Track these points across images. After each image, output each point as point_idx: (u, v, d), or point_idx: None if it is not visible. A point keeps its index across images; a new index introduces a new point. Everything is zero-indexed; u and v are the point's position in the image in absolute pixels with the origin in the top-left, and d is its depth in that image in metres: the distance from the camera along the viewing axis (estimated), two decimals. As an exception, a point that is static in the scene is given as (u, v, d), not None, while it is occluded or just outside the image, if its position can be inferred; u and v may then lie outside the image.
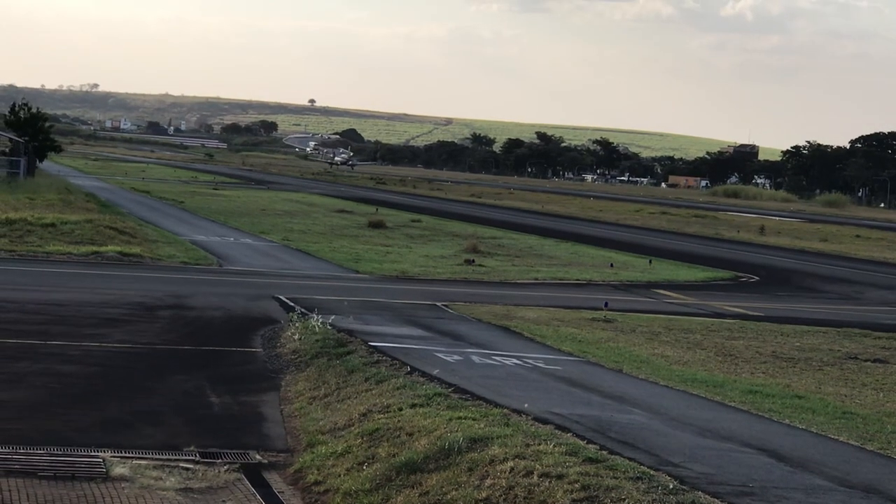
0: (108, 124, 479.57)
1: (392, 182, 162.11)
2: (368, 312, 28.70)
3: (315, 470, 15.63)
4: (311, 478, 15.43)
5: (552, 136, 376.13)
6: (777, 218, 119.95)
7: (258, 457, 16.40)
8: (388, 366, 20.92)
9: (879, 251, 73.21)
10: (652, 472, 13.58)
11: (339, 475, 15.19)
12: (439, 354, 22.55)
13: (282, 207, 78.00)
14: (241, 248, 46.95)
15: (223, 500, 14.73)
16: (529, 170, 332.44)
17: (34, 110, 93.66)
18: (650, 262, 50.79)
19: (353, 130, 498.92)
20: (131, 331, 25.06)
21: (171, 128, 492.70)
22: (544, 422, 16.28)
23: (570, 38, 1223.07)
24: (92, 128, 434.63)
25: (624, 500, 12.62)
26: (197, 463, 15.78)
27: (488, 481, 13.64)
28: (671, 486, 13.03)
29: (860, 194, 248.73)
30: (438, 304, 31.50)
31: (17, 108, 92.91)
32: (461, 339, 25.22)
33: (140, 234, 46.26)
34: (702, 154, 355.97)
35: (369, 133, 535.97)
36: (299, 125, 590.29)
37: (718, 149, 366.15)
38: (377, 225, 62.71)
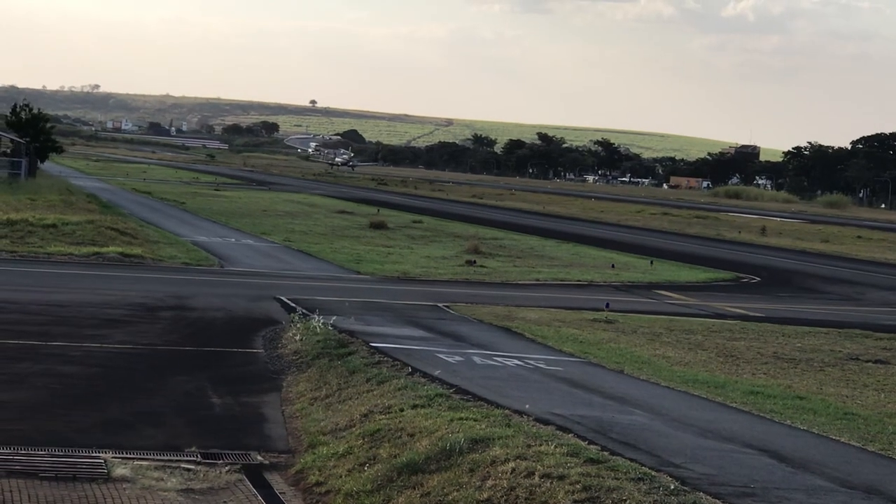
0: (110, 125, 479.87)
1: (393, 183, 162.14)
2: (370, 313, 28.70)
3: (316, 471, 15.63)
4: (313, 479, 15.43)
5: (553, 136, 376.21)
6: (778, 219, 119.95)
7: (259, 458, 16.40)
8: (390, 367, 20.91)
9: (881, 252, 73.20)
10: (653, 473, 13.58)
11: (341, 476, 15.19)
12: (441, 355, 22.55)
13: (283, 208, 78.02)
14: (243, 248, 46.96)
15: (224, 501, 14.73)
16: (531, 171, 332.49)
17: (35, 111, 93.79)
18: (651, 262, 50.77)
19: (355, 131, 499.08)
20: (132, 332, 25.06)
21: (173, 128, 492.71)
22: (546, 423, 16.27)
23: (572, 39, 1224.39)
24: (93, 128, 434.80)
25: (625, 500, 12.62)
26: (198, 464, 15.78)
27: (490, 482, 13.64)
28: (672, 487, 13.02)
29: (861, 195, 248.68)
30: (440, 304, 31.50)
31: (18, 109, 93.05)
32: (462, 339, 25.22)
33: (141, 234, 46.26)
34: (703, 155, 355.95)
35: (370, 134, 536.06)
36: (300, 126, 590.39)
37: (720, 149, 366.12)
38: (378, 226, 62.71)
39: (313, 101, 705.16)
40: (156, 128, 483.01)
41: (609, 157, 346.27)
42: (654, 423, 17.08)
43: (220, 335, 25.58)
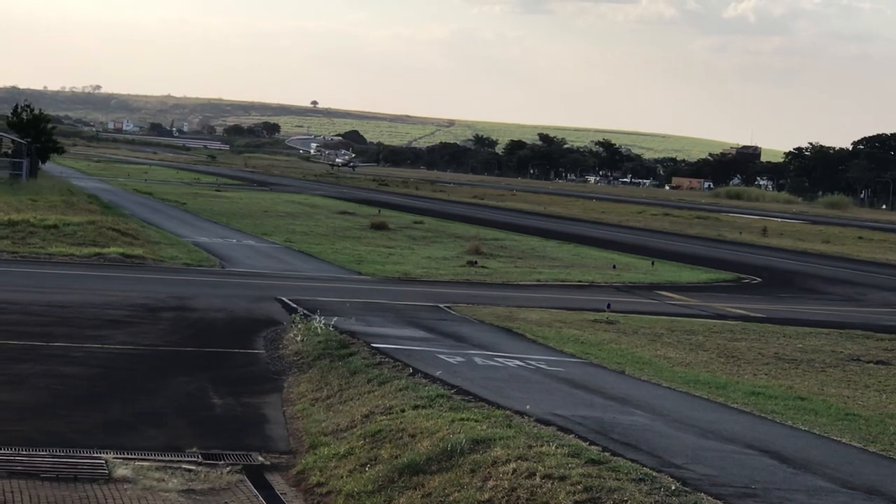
0: (111, 126, 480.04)
1: (394, 184, 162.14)
2: (371, 314, 28.70)
3: (317, 471, 15.63)
4: (314, 479, 15.43)
5: (554, 137, 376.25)
6: (779, 219, 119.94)
7: (261, 458, 16.40)
8: (391, 367, 20.91)
9: (882, 253, 73.18)
10: (654, 474, 13.58)
11: (342, 477, 15.19)
12: (442, 356, 22.54)
13: (284, 209, 78.03)
14: (244, 249, 46.97)
15: (225, 502, 14.74)
16: (532, 171, 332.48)
17: (36, 112, 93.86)
18: (652, 263, 50.76)
19: (356, 132, 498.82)
20: (134, 332, 25.06)
21: (175, 129, 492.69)
22: (547, 423, 16.27)
23: (573, 40, 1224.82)
24: (94, 129, 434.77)
25: (626, 501, 12.62)
26: (199, 464, 15.78)
27: (491, 483, 13.64)
28: (674, 488, 13.02)
29: (862, 196, 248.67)
30: (441, 305, 31.50)
31: (19, 110, 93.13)
32: (463, 340, 25.22)
33: (142, 235, 46.27)
34: (704, 155, 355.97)
35: (372, 135, 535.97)
36: (302, 127, 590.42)
37: (721, 150, 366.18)
38: (379, 226, 62.71)
39: (314, 102, 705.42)
40: (158, 129, 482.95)
41: (610, 157, 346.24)
42: (656, 423, 17.08)
43: (222, 336, 25.58)
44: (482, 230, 66.31)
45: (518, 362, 22.42)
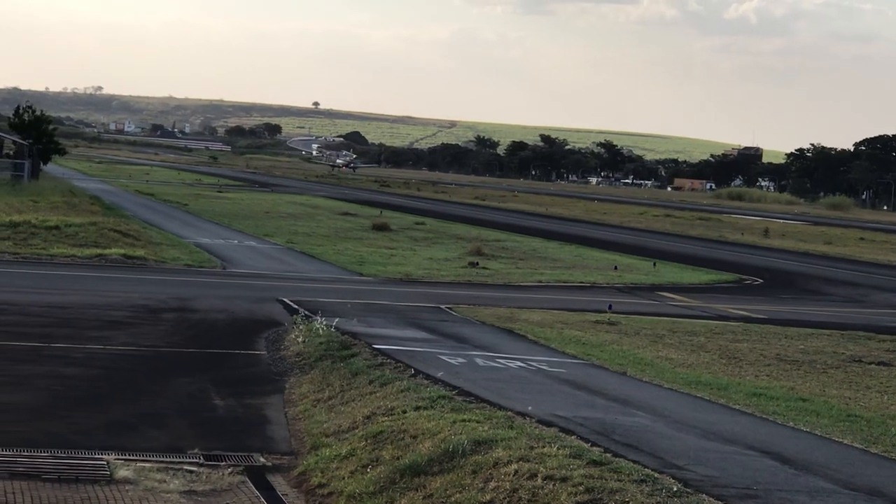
0: (112, 127, 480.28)
1: (396, 185, 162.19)
2: (372, 315, 28.70)
3: (319, 472, 15.63)
4: (316, 480, 15.43)
5: (556, 138, 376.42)
6: (781, 220, 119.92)
7: (262, 459, 16.40)
8: (392, 368, 20.91)
9: (884, 254, 73.16)
10: (656, 475, 13.57)
11: (344, 478, 15.19)
12: (443, 357, 22.54)
13: (286, 210, 78.05)
14: (245, 250, 46.98)
15: (227, 503, 14.73)
16: (533, 172, 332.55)
17: (38, 113, 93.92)
18: (654, 264, 50.76)
19: (357, 133, 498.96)
20: (135, 333, 25.06)
21: (178, 131, 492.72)
22: (548, 424, 16.26)
23: (574, 41, 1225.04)
24: (96, 130, 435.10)
25: (628, 502, 12.62)
26: (201, 465, 15.78)
27: (492, 484, 13.64)
28: (675, 489, 13.02)
29: (864, 197, 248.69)
30: (442, 306, 31.50)
31: (21, 111, 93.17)
32: (465, 341, 25.21)
33: (144, 236, 46.28)
34: (706, 156, 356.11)
35: (373, 136, 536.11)
36: (303, 128, 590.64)
37: (722, 151, 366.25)
38: (381, 227, 62.70)
39: (316, 103, 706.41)
40: (161, 130, 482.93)
41: (612, 158, 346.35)
42: (657, 424, 17.07)
43: (223, 337, 25.58)
44: (484, 231, 66.30)
45: (519, 363, 22.41)
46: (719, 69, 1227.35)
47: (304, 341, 24.08)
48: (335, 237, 56.16)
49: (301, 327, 25.36)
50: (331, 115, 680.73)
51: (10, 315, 26.20)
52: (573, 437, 15.47)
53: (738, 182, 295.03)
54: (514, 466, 13.88)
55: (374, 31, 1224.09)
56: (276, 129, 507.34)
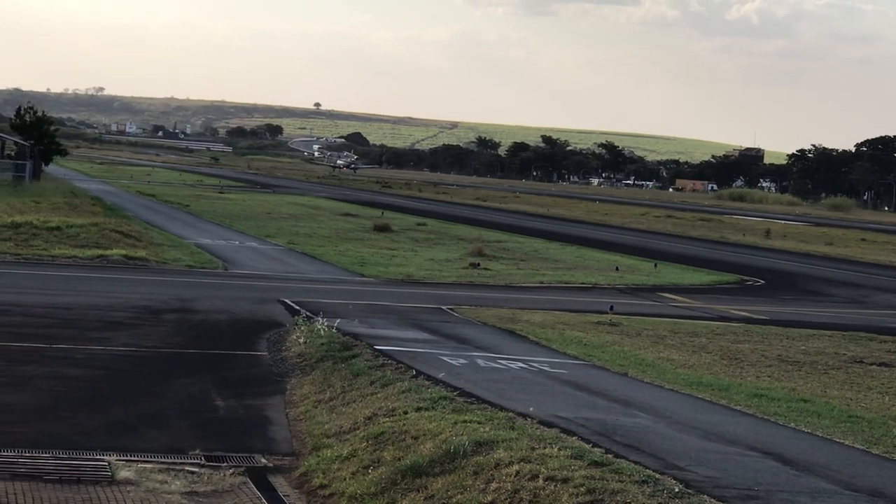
0: (114, 128, 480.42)
1: (397, 186, 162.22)
2: (374, 316, 28.70)
3: (320, 473, 15.63)
4: (317, 481, 15.43)
5: (557, 139, 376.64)
6: (782, 221, 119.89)
7: (263, 460, 16.40)
8: (394, 369, 20.91)
9: (885, 255, 73.15)
10: (657, 476, 13.57)
11: (345, 479, 15.19)
12: (444, 358, 22.54)
13: (287, 211, 78.07)
14: (247, 251, 46.99)
15: (228, 504, 14.74)
16: (535, 173, 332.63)
17: (39, 114, 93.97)
18: (655, 265, 50.76)
19: (359, 134, 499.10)
20: (136, 334, 25.07)
21: (180, 132, 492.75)
22: (549, 425, 16.26)
23: (576, 42, 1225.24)
24: (97, 131, 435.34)
25: (629, 503, 12.62)
26: (202, 466, 15.78)
27: (494, 485, 13.64)
28: (676, 490, 13.02)
29: (866, 198, 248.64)
30: (444, 307, 31.50)
31: (22, 112, 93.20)
32: (466, 342, 25.22)
33: (145, 237, 46.30)
34: (707, 157, 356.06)
35: (375, 137, 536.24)
36: (305, 129, 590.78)
37: (724, 152, 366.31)
38: (382, 228, 62.70)
39: (317, 104, 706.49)
40: (163, 131, 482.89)
41: (613, 159, 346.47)
42: (658, 425, 17.07)
43: (224, 338, 25.59)
44: (485, 232, 66.31)
45: (521, 364, 22.41)
46: (721, 70, 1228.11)
47: (305, 342, 24.09)
48: (336, 238, 56.16)
49: (302, 328, 25.37)
50: (332, 116, 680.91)
51: (11, 316, 26.21)
52: (574, 438, 15.47)
53: (739, 183, 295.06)
54: (516, 467, 13.89)
55: (375, 32, 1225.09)
56: (277, 130, 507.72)
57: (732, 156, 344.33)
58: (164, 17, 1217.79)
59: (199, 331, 26.31)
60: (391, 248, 52.15)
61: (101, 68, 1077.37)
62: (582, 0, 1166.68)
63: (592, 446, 15.02)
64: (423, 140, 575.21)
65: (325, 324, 25.02)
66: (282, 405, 19.83)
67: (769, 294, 42.98)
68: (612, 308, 31.54)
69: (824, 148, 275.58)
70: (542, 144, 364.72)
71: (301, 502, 15.06)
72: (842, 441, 17.03)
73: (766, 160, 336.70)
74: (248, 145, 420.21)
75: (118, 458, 15.77)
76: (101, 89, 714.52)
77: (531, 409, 17.37)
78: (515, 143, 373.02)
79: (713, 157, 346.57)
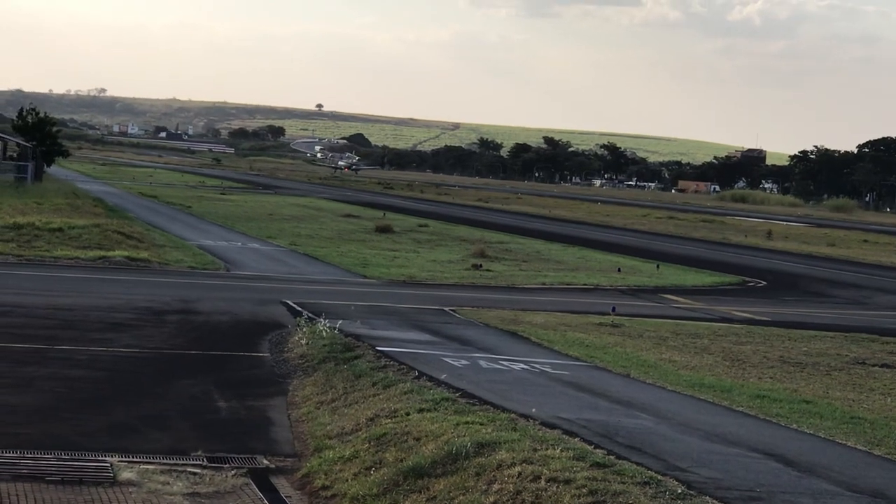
0: (116, 129, 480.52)
1: (399, 187, 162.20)
2: (376, 317, 28.71)
3: (322, 475, 15.63)
4: (319, 482, 15.43)
5: (559, 140, 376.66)
6: (784, 223, 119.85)
7: (266, 461, 16.41)
8: (396, 370, 20.91)
9: (887, 256, 73.13)
10: (659, 477, 13.57)
11: (347, 480, 15.19)
12: (447, 359, 22.54)
13: (289, 212, 78.07)
14: (249, 252, 47.00)
15: (230, 505, 14.74)
16: (537, 174, 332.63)
17: (42, 115, 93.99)
18: (658, 266, 50.76)
19: (361, 135, 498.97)
20: (139, 335, 25.08)
21: (183, 133, 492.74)
22: (552, 427, 16.26)
23: (578, 43, 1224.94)
24: (99, 132, 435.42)
25: (631, 505, 12.62)
26: (204, 468, 15.78)
27: (496, 486, 13.64)
28: (679, 491, 13.02)
29: (868, 199, 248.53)
30: (446, 308, 31.50)
31: (24, 113, 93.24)
32: (468, 343, 25.22)
33: (147, 238, 46.31)
34: (709, 159, 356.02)
35: (377, 138, 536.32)
36: (307, 130, 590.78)
37: (726, 153, 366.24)
38: (384, 229, 62.70)
39: (319, 105, 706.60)
40: (166, 132, 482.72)
41: (615, 160, 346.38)
42: (660, 426, 17.07)
43: (226, 339, 25.59)
44: (487, 233, 66.32)
45: (523, 365, 22.41)
46: (723, 71, 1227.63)
47: (307, 343, 24.09)
48: (338, 239, 56.16)
49: (304, 329, 25.38)
50: (334, 117, 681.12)
51: (14, 317, 26.23)
52: (576, 440, 15.47)
53: (741, 184, 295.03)
54: (518, 468, 13.89)
55: (377, 34, 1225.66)
56: (279, 131, 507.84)
57: (734, 157, 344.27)
58: (165, 18, 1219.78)
59: (201, 332, 26.31)
60: (393, 249, 52.15)
61: (102, 70, 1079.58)
62: (584, 1, 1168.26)
63: (594, 448, 15.02)
64: (425, 141, 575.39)
65: (328, 325, 25.03)
66: (284, 406, 19.83)
67: (771, 295, 42.96)
68: (614, 309, 31.55)
69: (826, 149, 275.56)
70: (543, 145, 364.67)
71: (303, 503, 15.06)
72: (844, 442, 17.03)
73: (768, 161, 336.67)
74: (250, 146, 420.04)
75: (120, 459, 15.77)
76: (104, 90, 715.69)
77: (533, 410, 17.38)
78: (517, 144, 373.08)
79: (715, 158, 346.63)
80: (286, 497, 15.20)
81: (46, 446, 16.03)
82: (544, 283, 41.35)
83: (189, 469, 15.66)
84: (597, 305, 34.09)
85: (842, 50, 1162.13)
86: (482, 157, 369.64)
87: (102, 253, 39.36)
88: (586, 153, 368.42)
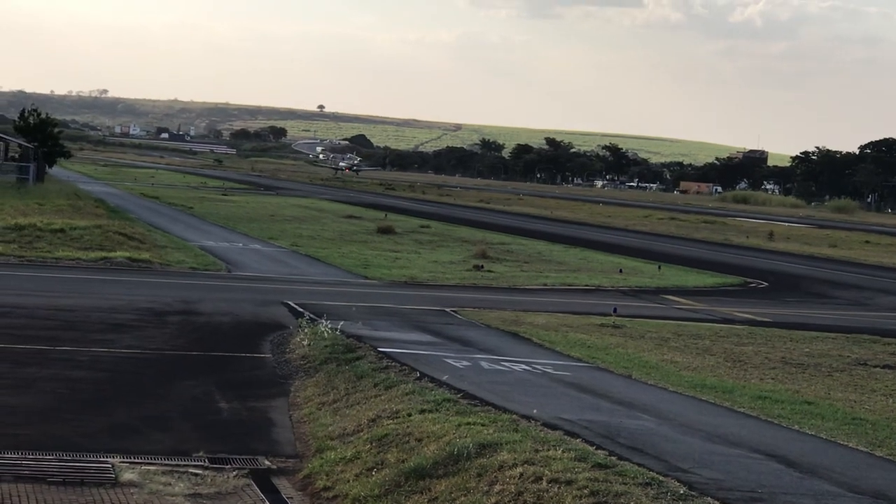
0: (117, 130, 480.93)
1: (401, 188, 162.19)
2: (377, 318, 28.71)
3: (324, 475, 15.63)
4: (320, 483, 15.43)
5: (561, 141, 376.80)
6: (786, 223, 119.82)
7: (267, 462, 16.41)
8: (397, 371, 20.91)
9: (889, 257, 73.09)
10: (661, 478, 13.56)
11: (348, 481, 15.19)
12: (448, 360, 22.54)
13: (291, 213, 78.07)
14: (250, 253, 47.00)
15: (232, 506, 14.74)
16: (538, 175, 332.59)
17: (43, 116, 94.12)
18: (659, 267, 50.76)
19: (363, 136, 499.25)
20: (140, 336, 25.09)
21: (185, 134, 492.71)
22: (553, 427, 16.26)
23: (579, 44, 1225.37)
24: (101, 133, 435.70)
25: (633, 506, 12.61)
26: (206, 468, 15.79)
27: (497, 487, 13.64)
28: (680, 492, 13.01)
29: (869, 200, 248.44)
30: (447, 309, 31.50)
31: (26, 114, 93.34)
32: (470, 344, 25.21)
33: (149, 239, 46.31)
34: (711, 160, 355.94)
35: (379, 139, 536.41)
36: (308, 131, 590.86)
37: (727, 154, 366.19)
38: (386, 230, 62.69)
39: (321, 106, 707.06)
40: (169, 133, 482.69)
41: (617, 161, 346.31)
42: (662, 427, 17.06)
43: (228, 340, 25.59)
44: (489, 234, 66.33)
45: (524, 366, 22.41)
46: (724, 72, 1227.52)
47: (309, 344, 24.09)
48: (340, 240, 56.16)
49: (306, 330, 25.38)
50: (336, 118, 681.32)
51: (15, 318, 26.23)
52: (578, 440, 15.47)
53: (743, 185, 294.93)
54: (519, 469, 13.88)
55: (379, 34, 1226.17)
56: (281, 132, 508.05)
57: (736, 158, 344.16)
58: (165, 18, 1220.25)
59: (203, 333, 26.32)
60: (395, 250, 52.15)
61: (104, 70, 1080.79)
62: (585, 3, 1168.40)
63: (596, 448, 15.02)
64: (426, 142, 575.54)
65: (329, 326, 25.03)
66: (285, 407, 19.83)
67: (773, 296, 42.95)
68: (615, 310, 31.55)
69: (828, 150, 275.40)
70: (545, 146, 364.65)
71: (304, 504, 15.07)
72: (845, 443, 17.03)
73: (770, 162, 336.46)
74: (252, 147, 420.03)
75: (122, 460, 15.78)
76: (105, 91, 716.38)
77: (535, 411, 17.37)
78: (519, 145, 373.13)
79: (717, 159, 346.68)
80: (288, 498, 15.20)
81: (48, 447, 16.03)
82: (546, 284, 41.34)
83: (191, 470, 15.66)
84: (598, 306, 34.08)
85: (843, 51, 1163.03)
86: (484, 158, 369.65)
87: (104, 254, 39.37)
88: (588, 154, 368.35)
